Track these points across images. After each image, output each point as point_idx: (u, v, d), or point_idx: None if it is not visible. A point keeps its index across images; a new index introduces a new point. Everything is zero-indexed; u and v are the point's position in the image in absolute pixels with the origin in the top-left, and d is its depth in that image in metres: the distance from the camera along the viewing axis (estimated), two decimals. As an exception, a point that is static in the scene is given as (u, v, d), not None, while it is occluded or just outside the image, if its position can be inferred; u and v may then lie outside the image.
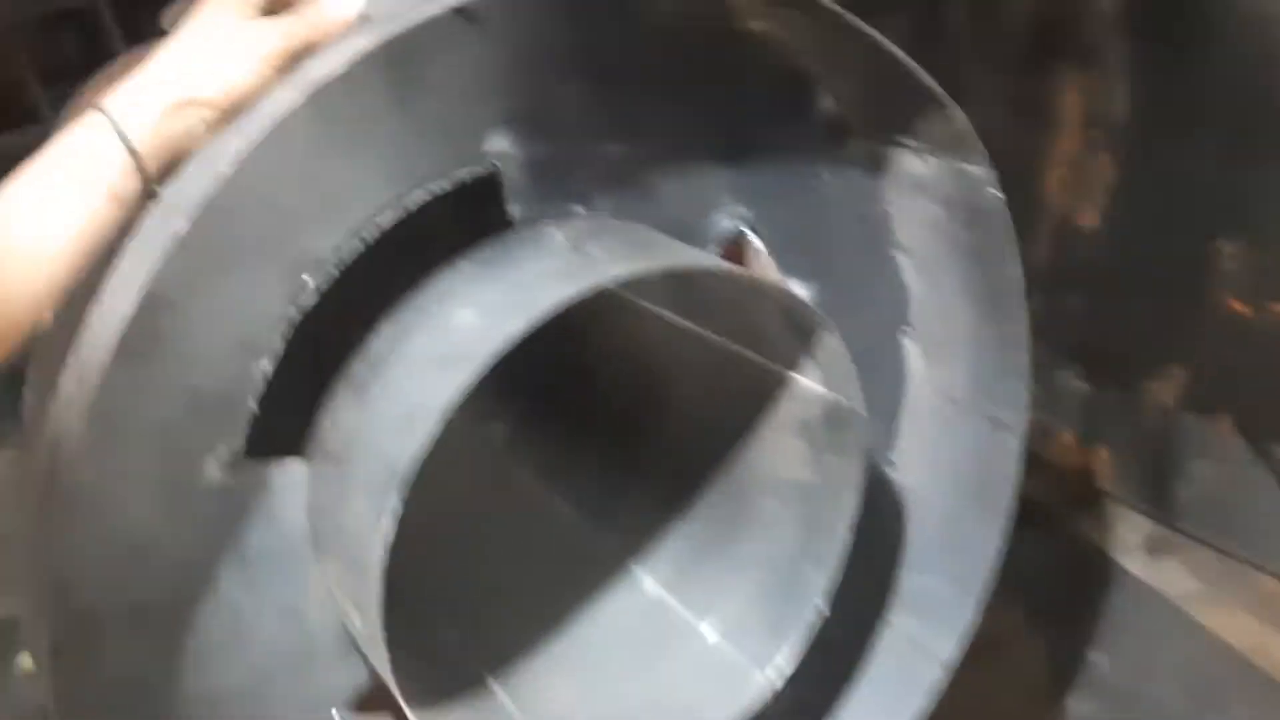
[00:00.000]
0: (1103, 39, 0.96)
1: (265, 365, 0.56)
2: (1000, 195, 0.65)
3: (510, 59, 0.57)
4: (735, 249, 0.69)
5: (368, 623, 0.54)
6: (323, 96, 0.49)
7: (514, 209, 0.61)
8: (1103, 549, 1.06)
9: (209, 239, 0.49)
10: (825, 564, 0.65)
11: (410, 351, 0.56)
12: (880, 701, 0.74)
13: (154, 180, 0.51)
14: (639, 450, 0.77)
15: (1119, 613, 1.03)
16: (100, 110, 0.51)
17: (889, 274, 0.72)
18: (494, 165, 0.59)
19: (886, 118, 0.66)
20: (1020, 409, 0.70)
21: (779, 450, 0.68)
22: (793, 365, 0.65)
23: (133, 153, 0.50)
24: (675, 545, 0.73)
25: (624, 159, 0.64)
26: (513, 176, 0.60)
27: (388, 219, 0.57)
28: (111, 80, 0.98)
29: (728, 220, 0.69)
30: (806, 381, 0.65)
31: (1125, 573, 1.04)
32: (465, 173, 0.59)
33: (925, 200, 0.69)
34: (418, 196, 0.58)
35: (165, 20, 1.18)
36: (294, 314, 0.56)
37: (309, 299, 0.56)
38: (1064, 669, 0.99)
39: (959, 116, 0.63)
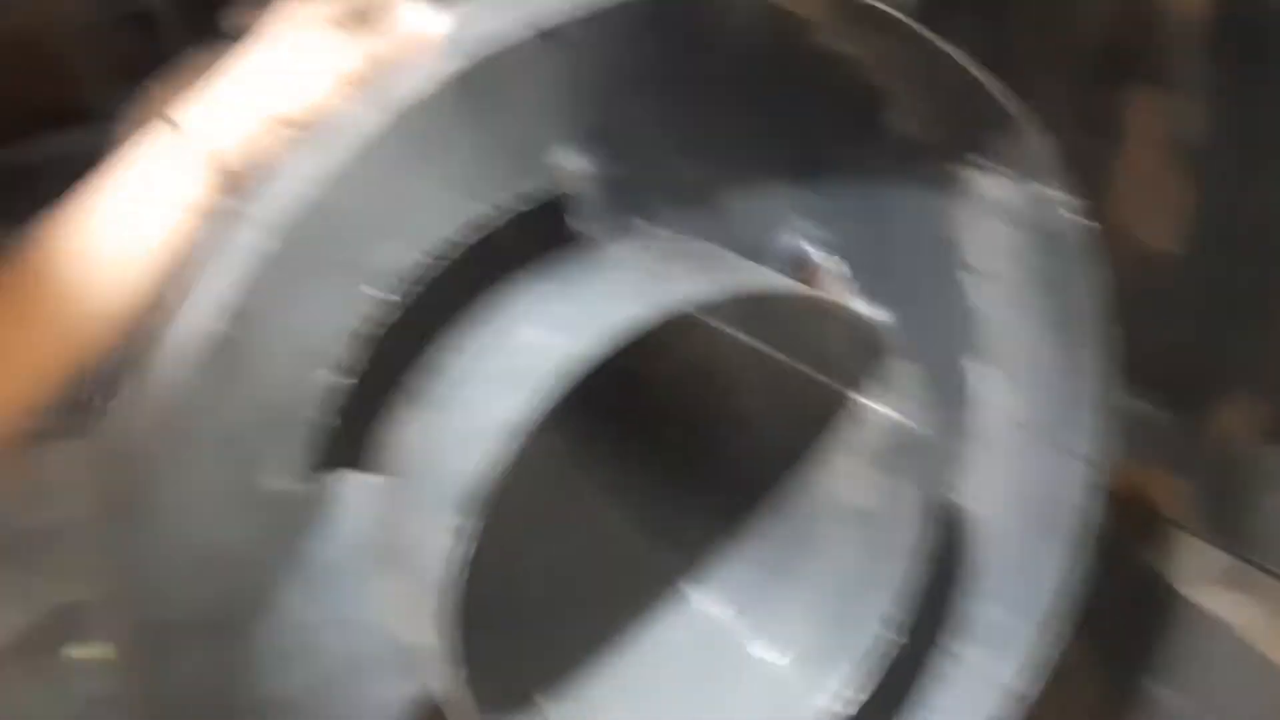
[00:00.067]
0: (1182, 56, 0.94)
1: (332, 378, 0.56)
2: (1081, 220, 0.64)
3: (585, 76, 0.56)
4: (804, 269, 0.68)
5: (432, 639, 0.54)
6: (407, 116, 0.49)
7: (584, 226, 0.60)
8: (1169, 580, 1.03)
9: (287, 255, 0.49)
10: (889, 590, 0.64)
11: (480, 368, 0.55)
12: (942, 732, 0.73)
13: (233, 195, 0.51)
14: (699, 467, 0.76)
15: (1184, 646, 1.00)
16: (181, 124, 0.51)
17: (960, 297, 0.70)
18: (566, 182, 0.59)
19: (962, 137, 0.65)
20: (1095, 439, 0.68)
21: (844, 474, 0.67)
22: (860, 388, 0.64)
23: (214, 169, 0.50)
24: (735, 566, 0.72)
25: (695, 177, 0.63)
26: (584, 193, 0.60)
27: (460, 236, 0.57)
28: (178, 84, 0.99)
29: (797, 240, 0.68)
30: (874, 405, 0.64)
31: (1192, 605, 1.02)
32: (537, 189, 0.58)
33: (1000, 222, 0.68)
34: (489, 213, 0.57)
35: (227, 24, 1.20)
36: (363, 328, 0.56)
37: (379, 314, 0.56)
38: (1126, 702, 0.97)
39: (1040, 138, 0.62)
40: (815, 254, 0.67)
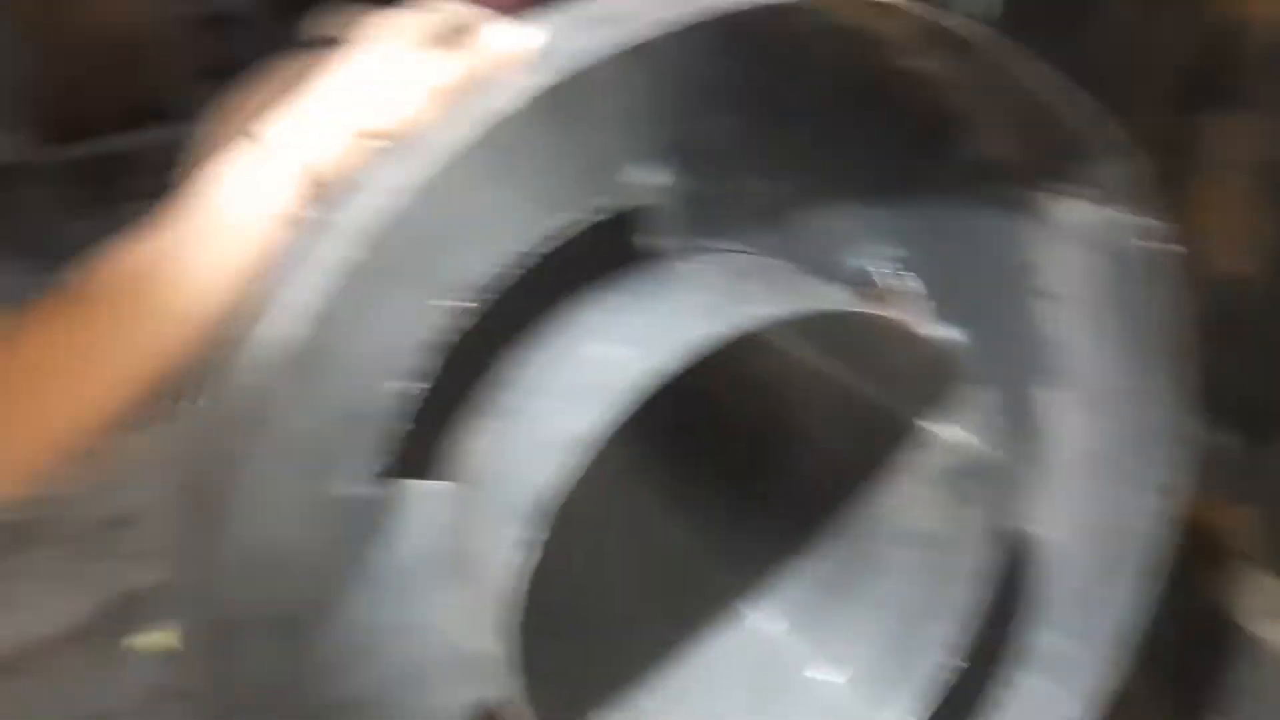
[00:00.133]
0: (1266, 80, 0.92)
1: (406, 386, 0.57)
2: (1165, 247, 0.62)
3: (666, 92, 0.56)
4: (875, 289, 0.68)
5: (494, 648, 0.54)
6: (493, 130, 0.49)
7: (658, 240, 0.60)
8: (1234, 613, 1.01)
9: (368, 264, 0.50)
10: (953, 616, 0.64)
11: (550, 380, 0.56)
12: (1000, 761, 0.72)
13: (320, 206, 0.52)
14: (760, 483, 0.76)
15: (1248, 680, 0.98)
16: (272, 136, 0.52)
17: (1032, 321, 0.69)
18: (641, 196, 0.59)
19: (1044, 160, 0.64)
20: (1167, 469, 0.67)
21: (910, 497, 0.66)
22: (930, 412, 0.63)
23: (303, 181, 0.51)
24: (795, 585, 0.72)
25: (770, 194, 0.63)
26: (659, 208, 0.60)
27: (534, 247, 0.57)
28: (262, 89, 1.01)
29: (869, 260, 0.67)
30: (942, 429, 0.63)
31: (1257, 639, 0.99)
32: (612, 203, 0.59)
33: (1080, 247, 0.67)
34: (564, 225, 0.58)
35: (308, 30, 1.21)
36: (438, 337, 0.57)
37: (452, 323, 0.57)
38: (1189, 736, 0.95)
39: (1127, 162, 0.61)
40: (887, 274, 0.67)
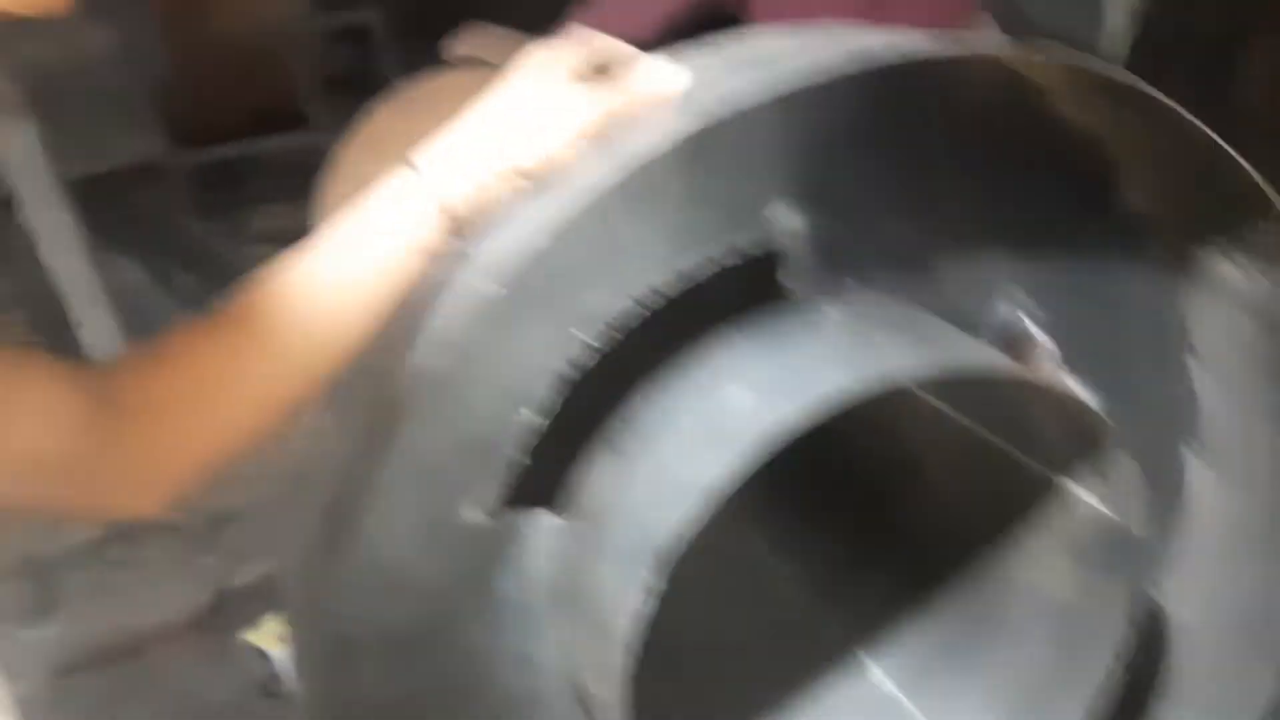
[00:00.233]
0: None
1: (532, 417, 0.56)
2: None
3: (812, 137, 0.55)
4: (1017, 343, 0.65)
5: (607, 688, 0.53)
6: (638, 172, 0.49)
7: (791, 282, 0.59)
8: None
9: (508, 297, 0.50)
10: (1082, 690, 0.61)
11: (682, 422, 0.55)
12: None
13: (461, 239, 0.52)
14: (880, 532, 0.74)
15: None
16: (419, 170, 0.52)
17: (1181, 384, 0.66)
18: (777, 237, 0.58)
19: (1200, 218, 0.62)
20: (1323, 550, 0.63)
21: (1040, 561, 0.63)
22: (1067, 473, 0.61)
23: (447, 215, 0.51)
24: (911, 640, 0.70)
25: (909, 240, 0.61)
26: (794, 250, 0.59)
27: (668, 285, 0.57)
28: (401, 108, 1.03)
29: (1012, 311, 0.65)
30: (1081, 493, 0.60)
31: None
32: (748, 243, 0.58)
33: (1232, 308, 0.63)
34: (700, 265, 0.57)
35: (449, 52, 1.24)
36: (566, 371, 0.56)
37: (583, 357, 0.56)
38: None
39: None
40: (1030, 328, 0.65)
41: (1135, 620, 0.61)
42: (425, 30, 1.66)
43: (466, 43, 1.20)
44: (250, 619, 1.37)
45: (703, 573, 0.77)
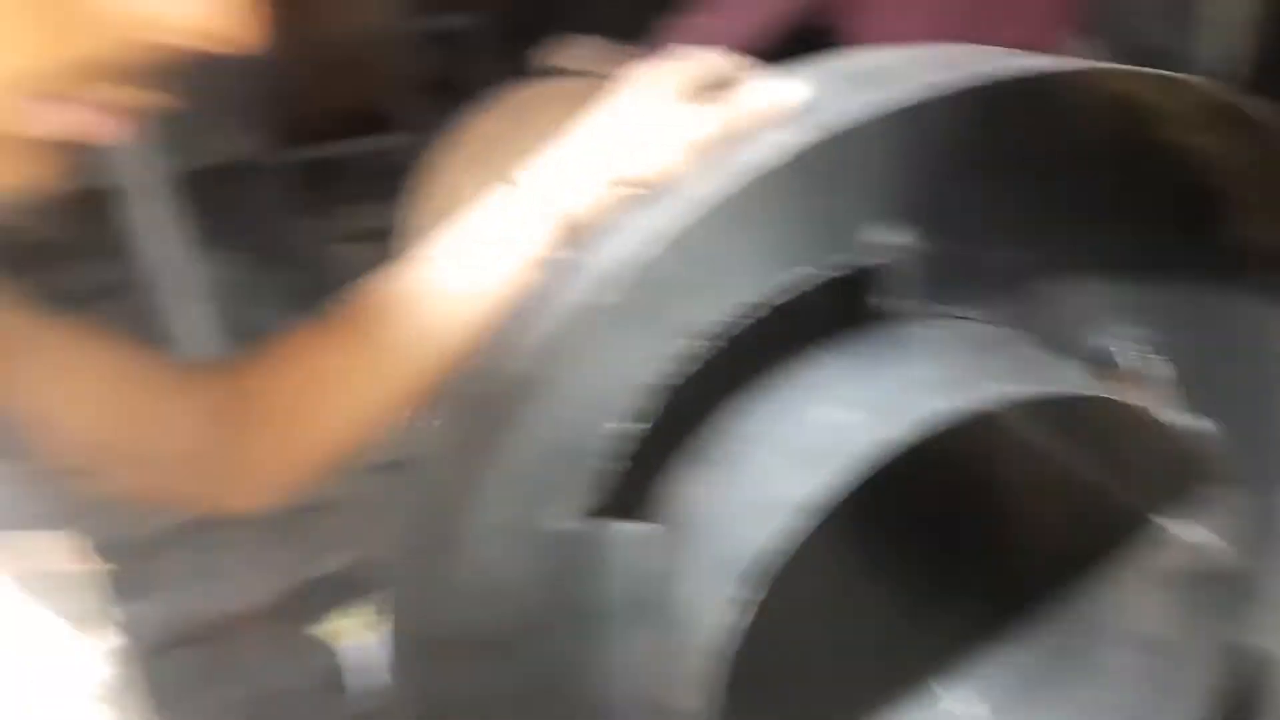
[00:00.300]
0: None
1: (623, 427, 0.57)
2: None
3: (919, 155, 0.55)
4: (1118, 371, 0.64)
5: (690, 704, 0.53)
6: (749, 185, 0.49)
7: (891, 302, 0.59)
8: None
9: (608, 308, 0.50)
10: (1174, 731, 0.59)
11: (776, 438, 0.55)
12: None
13: (570, 248, 0.53)
14: (965, 556, 0.73)
15: None
16: (529, 180, 0.53)
17: (1287, 419, 0.64)
18: (879, 256, 0.58)
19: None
20: None
21: (1134, 596, 0.62)
22: (1164, 505, 0.59)
23: (555, 225, 0.52)
24: (996, 671, 0.68)
25: (1013, 264, 0.60)
26: (895, 270, 0.58)
27: (767, 299, 0.57)
28: (499, 116, 1.04)
29: (1115, 339, 0.63)
30: (1182, 528, 0.59)
31: None
32: (849, 261, 0.57)
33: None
34: (800, 279, 0.57)
35: (552, 60, 1.25)
36: (658, 381, 0.56)
37: (675, 368, 0.56)
38: None
39: None
40: (1131, 356, 0.63)
41: (1231, 659, 0.59)
42: (518, 35, 1.69)
43: (564, 54, 1.21)
44: (326, 611, 1.40)
45: (785, 589, 0.77)
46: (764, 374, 0.58)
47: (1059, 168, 0.59)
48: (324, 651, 1.34)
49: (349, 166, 2.30)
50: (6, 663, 0.26)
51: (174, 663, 1.37)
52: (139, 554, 1.53)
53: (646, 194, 0.52)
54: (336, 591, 1.43)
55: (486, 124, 1.00)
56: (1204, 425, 0.64)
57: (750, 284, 0.56)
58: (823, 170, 0.52)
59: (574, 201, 0.52)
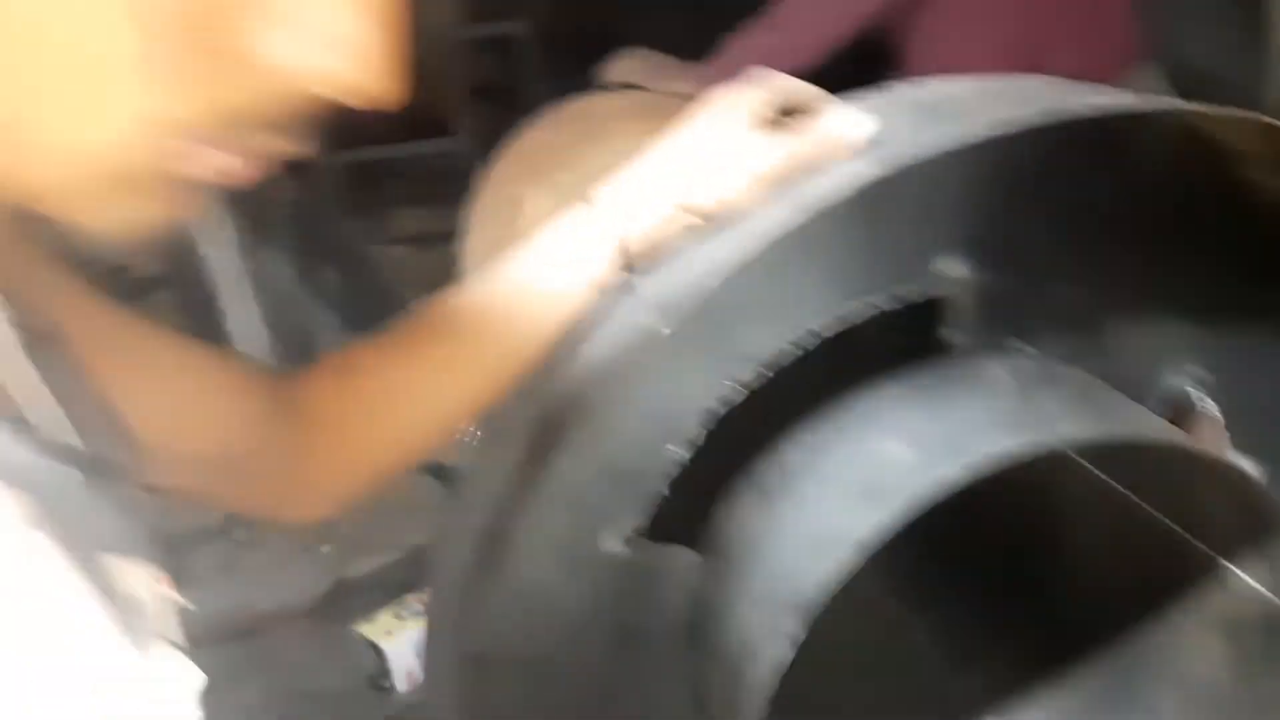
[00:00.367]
0: None
1: (679, 451, 0.56)
2: None
3: (987, 189, 0.54)
4: (1184, 413, 0.63)
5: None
6: (815, 218, 0.49)
7: (954, 335, 0.58)
8: None
9: (669, 334, 0.50)
10: (1229, 783, 0.58)
11: (829, 471, 0.54)
12: None
13: (632, 273, 0.53)
14: (1018, 597, 0.72)
15: None
16: (598, 204, 0.53)
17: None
18: (942, 287, 0.57)
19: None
20: None
21: (1194, 643, 0.61)
22: (1230, 554, 0.58)
23: (621, 250, 0.52)
24: (1042, 711, 0.67)
25: (1079, 300, 0.59)
26: (959, 302, 0.57)
27: (826, 328, 0.56)
28: (551, 127, 1.04)
29: (1181, 380, 0.62)
30: (1246, 577, 0.58)
31: None
32: (911, 292, 0.57)
33: None
34: (860, 310, 0.56)
35: (606, 75, 1.25)
36: (716, 407, 0.56)
37: (734, 394, 0.56)
38: None
39: None
40: (1201, 400, 0.62)
41: (1291, 713, 0.57)
42: (570, 43, 1.69)
43: (621, 67, 1.21)
44: (365, 610, 1.40)
45: (836, 621, 0.76)
46: (825, 404, 0.57)
47: (1130, 206, 0.58)
48: (362, 651, 1.34)
49: (399, 169, 2.32)
50: (83, 685, 0.26)
51: (211, 659, 1.39)
52: (176, 549, 1.55)
53: (713, 222, 0.52)
54: (375, 591, 1.44)
55: (544, 135, 1.00)
56: (1268, 471, 0.63)
57: (812, 313, 0.56)
58: (890, 203, 0.52)
59: (642, 226, 0.52)
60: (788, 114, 0.53)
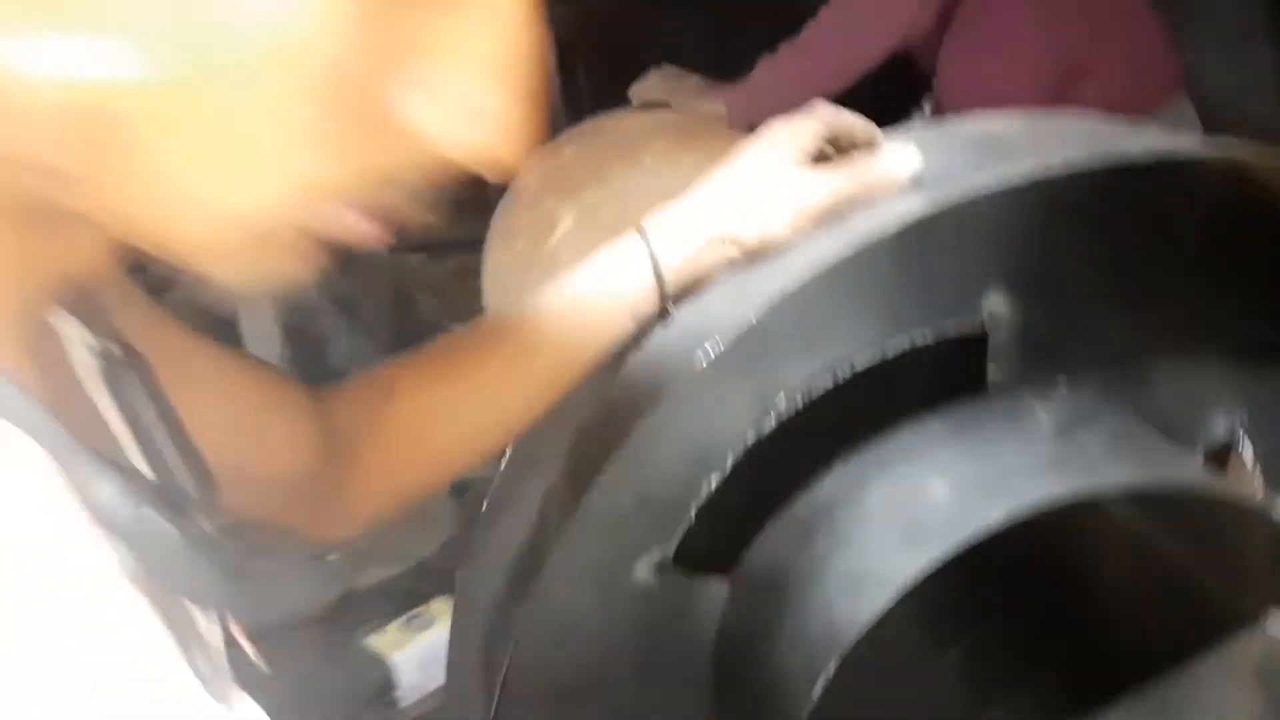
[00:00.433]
0: None
1: (712, 480, 0.56)
2: None
3: (1035, 228, 0.54)
4: (1228, 460, 0.62)
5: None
6: (863, 252, 0.48)
7: (995, 372, 0.57)
8: None
9: (708, 364, 0.50)
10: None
11: (868, 509, 0.53)
12: None
13: (670, 303, 0.52)
14: (1045, 636, 0.71)
15: None
16: (647, 236, 0.53)
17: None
18: (984, 324, 0.56)
19: None
20: None
21: (1228, 692, 0.60)
22: (1269, 602, 0.57)
23: (660, 280, 0.51)
24: (1070, 756, 0.66)
25: (1124, 342, 0.59)
26: (1001, 339, 0.57)
27: (864, 360, 0.56)
28: (580, 143, 1.04)
29: (1224, 426, 0.62)
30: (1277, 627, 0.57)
31: None
32: (952, 327, 0.56)
33: None
34: (899, 343, 0.56)
35: (635, 94, 1.25)
36: (751, 436, 0.56)
37: (770, 424, 0.55)
38: None
39: None
40: (1245, 447, 0.61)
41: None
42: (595, 61, 1.69)
43: (651, 85, 1.21)
44: (373, 622, 1.39)
45: (864, 653, 0.75)
46: (865, 438, 0.57)
47: (1173, 244, 0.57)
48: (370, 662, 1.33)
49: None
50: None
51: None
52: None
53: (758, 254, 0.52)
54: (384, 602, 1.43)
55: (573, 151, 1.00)
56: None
57: (852, 346, 0.55)
58: (936, 239, 0.52)
59: (685, 257, 0.52)
60: (838, 146, 0.53)
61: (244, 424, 0.46)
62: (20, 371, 0.29)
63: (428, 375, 0.51)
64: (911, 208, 0.48)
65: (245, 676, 0.35)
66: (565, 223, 0.88)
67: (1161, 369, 0.60)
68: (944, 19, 1.21)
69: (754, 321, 0.50)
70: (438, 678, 1.35)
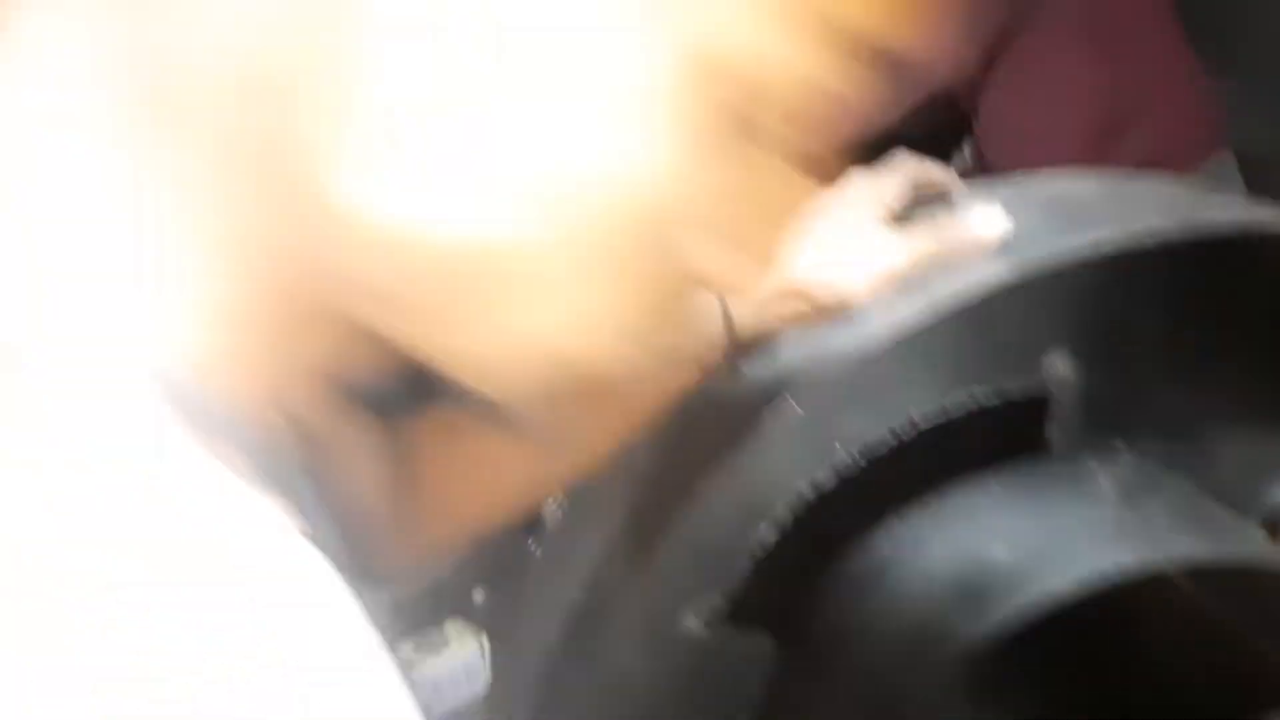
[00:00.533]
0: None
1: (768, 533, 0.55)
2: None
3: (1100, 290, 0.53)
4: (1277, 525, 0.61)
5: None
6: (944, 316, 0.48)
7: (1055, 435, 0.57)
8: None
9: (770, 418, 0.49)
10: None
11: (925, 568, 0.53)
12: None
13: (737, 354, 0.52)
14: (1089, 704, 0.70)
15: None
16: (722, 285, 0.52)
17: None
18: (1047, 386, 0.56)
19: None
20: None
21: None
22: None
23: (730, 330, 0.51)
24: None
25: (1184, 408, 0.58)
26: (1063, 401, 0.56)
27: (926, 418, 0.55)
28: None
29: (1276, 494, 0.61)
30: (1341, 705, 0.56)
31: None
32: (1015, 388, 0.55)
33: None
34: (961, 402, 0.55)
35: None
36: (809, 491, 0.55)
37: (829, 479, 0.55)
38: None
39: None
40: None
41: None
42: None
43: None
44: (384, 642, 1.38)
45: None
46: (925, 497, 0.56)
47: (1246, 320, 0.56)
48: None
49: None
50: None
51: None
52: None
53: (831, 313, 0.51)
54: (396, 622, 1.42)
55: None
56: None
57: (914, 403, 0.55)
58: (1011, 303, 0.51)
59: (758, 309, 0.51)
60: (922, 206, 0.52)
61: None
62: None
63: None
64: (995, 273, 0.48)
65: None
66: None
67: (1219, 437, 0.59)
68: (990, 58, 1.20)
69: (829, 381, 0.49)
70: (450, 699, 1.34)
